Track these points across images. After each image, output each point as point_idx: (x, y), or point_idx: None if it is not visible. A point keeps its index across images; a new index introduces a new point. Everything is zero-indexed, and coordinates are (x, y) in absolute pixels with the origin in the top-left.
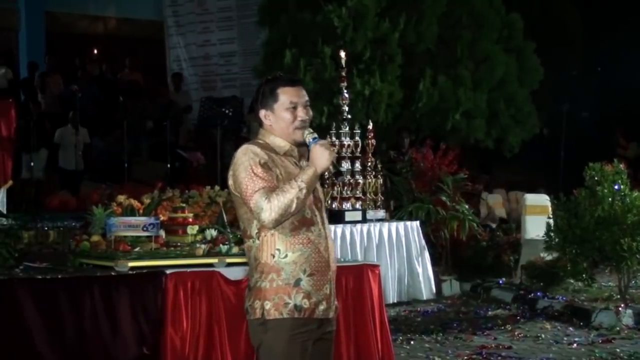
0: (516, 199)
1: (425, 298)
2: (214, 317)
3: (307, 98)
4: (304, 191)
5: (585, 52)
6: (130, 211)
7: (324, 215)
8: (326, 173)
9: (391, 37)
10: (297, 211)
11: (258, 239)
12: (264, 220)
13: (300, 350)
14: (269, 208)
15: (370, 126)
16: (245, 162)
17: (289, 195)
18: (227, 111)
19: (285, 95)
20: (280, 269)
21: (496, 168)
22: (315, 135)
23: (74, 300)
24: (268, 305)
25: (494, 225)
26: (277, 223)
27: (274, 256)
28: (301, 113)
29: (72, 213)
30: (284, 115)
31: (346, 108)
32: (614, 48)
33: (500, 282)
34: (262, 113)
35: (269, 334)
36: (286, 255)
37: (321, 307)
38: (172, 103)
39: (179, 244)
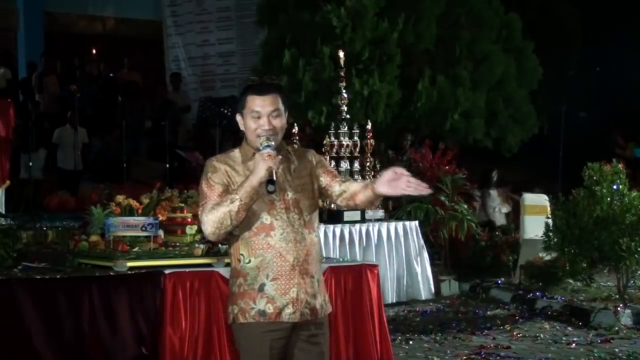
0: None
1: (424, 298)
2: (213, 317)
3: (274, 107)
4: (238, 202)
5: (584, 52)
6: (129, 211)
7: (297, 218)
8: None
9: (390, 37)
10: (237, 222)
11: (229, 244)
12: (204, 232)
13: (268, 350)
14: (206, 221)
15: (369, 126)
16: (203, 175)
17: (222, 209)
18: (225, 111)
19: (251, 104)
20: (246, 273)
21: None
22: (270, 144)
23: (73, 300)
24: (236, 309)
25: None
26: (217, 236)
27: (239, 261)
28: (264, 122)
29: (71, 213)
30: (248, 123)
31: (345, 108)
32: (613, 48)
33: (499, 282)
34: (237, 117)
35: (240, 337)
36: (249, 261)
37: (287, 311)
38: (170, 103)
39: (177, 244)
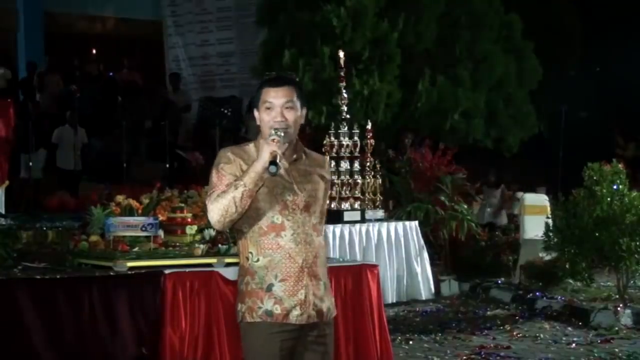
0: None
1: (424, 298)
2: (213, 317)
3: (287, 99)
4: (242, 188)
5: (584, 52)
6: (129, 211)
7: (308, 220)
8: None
9: (390, 37)
10: (242, 210)
11: (237, 241)
12: (210, 221)
13: (278, 350)
14: (211, 209)
15: (369, 126)
16: (215, 164)
17: (227, 196)
18: (225, 111)
19: (265, 95)
20: (254, 272)
21: (495, 168)
22: (279, 134)
23: (73, 300)
24: (243, 308)
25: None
26: (222, 225)
27: (248, 259)
28: (276, 114)
29: (71, 213)
30: (262, 116)
31: (345, 108)
32: (613, 48)
33: (499, 282)
34: (255, 113)
35: (248, 336)
36: (258, 259)
37: (295, 313)
38: (170, 103)
39: (177, 244)
